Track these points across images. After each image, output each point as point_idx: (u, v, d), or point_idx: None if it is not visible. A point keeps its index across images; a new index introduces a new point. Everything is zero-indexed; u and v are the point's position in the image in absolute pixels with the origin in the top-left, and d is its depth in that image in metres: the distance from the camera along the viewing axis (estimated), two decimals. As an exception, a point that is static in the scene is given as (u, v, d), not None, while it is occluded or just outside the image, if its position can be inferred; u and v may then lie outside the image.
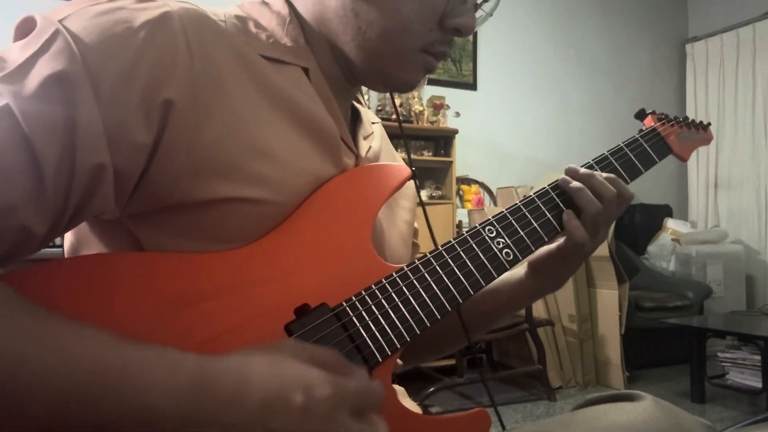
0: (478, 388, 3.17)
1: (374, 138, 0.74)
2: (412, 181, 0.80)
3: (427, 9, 0.60)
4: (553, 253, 0.73)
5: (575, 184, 0.69)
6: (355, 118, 0.74)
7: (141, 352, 0.43)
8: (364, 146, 0.70)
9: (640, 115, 0.85)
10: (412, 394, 0.78)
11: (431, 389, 2.76)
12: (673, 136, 0.82)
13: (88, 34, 0.47)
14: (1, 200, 0.43)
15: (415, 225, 0.82)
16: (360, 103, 0.76)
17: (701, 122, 0.89)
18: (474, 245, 0.64)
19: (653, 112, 0.84)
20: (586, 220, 0.69)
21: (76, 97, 0.45)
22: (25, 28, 0.48)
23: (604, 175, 0.71)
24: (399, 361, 0.73)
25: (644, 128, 0.82)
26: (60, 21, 0.48)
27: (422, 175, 3.42)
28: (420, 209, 0.79)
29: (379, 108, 3.64)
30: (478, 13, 0.67)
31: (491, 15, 0.69)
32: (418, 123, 3.62)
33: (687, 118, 0.86)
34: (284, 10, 0.63)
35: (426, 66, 0.65)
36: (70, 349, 0.41)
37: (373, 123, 0.77)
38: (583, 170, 0.70)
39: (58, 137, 0.45)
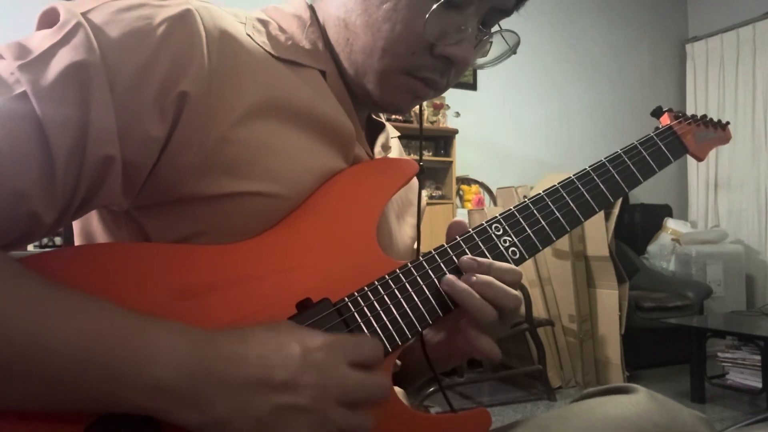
0: (478, 388, 3.17)
1: (392, 152, 0.75)
2: (423, 201, 0.80)
3: (408, 31, 0.58)
4: (443, 352, 0.68)
5: (464, 292, 0.59)
6: (378, 130, 0.75)
7: (153, 320, 0.47)
8: (379, 155, 0.71)
9: (657, 113, 0.82)
10: (412, 394, 0.77)
11: (431, 389, 2.75)
12: (689, 135, 0.80)
13: (110, 28, 0.48)
14: (13, 186, 0.44)
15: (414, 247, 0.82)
16: (379, 116, 0.77)
17: (719, 121, 0.87)
18: (480, 243, 0.63)
19: (670, 110, 0.81)
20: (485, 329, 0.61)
21: (92, 90, 0.46)
22: (49, 19, 0.50)
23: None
24: (397, 361, 0.73)
25: (660, 126, 0.80)
26: (83, 14, 0.48)
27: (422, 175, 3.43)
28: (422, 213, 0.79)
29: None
30: (502, 47, 0.65)
31: (514, 52, 0.65)
32: (418, 123, 3.62)
33: (705, 116, 0.84)
34: (305, 14, 0.64)
35: (413, 91, 0.62)
36: (87, 317, 0.45)
37: (392, 137, 0.77)
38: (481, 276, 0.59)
39: (71, 128, 0.46)
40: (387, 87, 0.62)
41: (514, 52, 0.65)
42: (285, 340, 0.49)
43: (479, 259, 0.60)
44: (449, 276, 0.60)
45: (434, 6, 0.56)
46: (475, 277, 0.59)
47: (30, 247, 2.34)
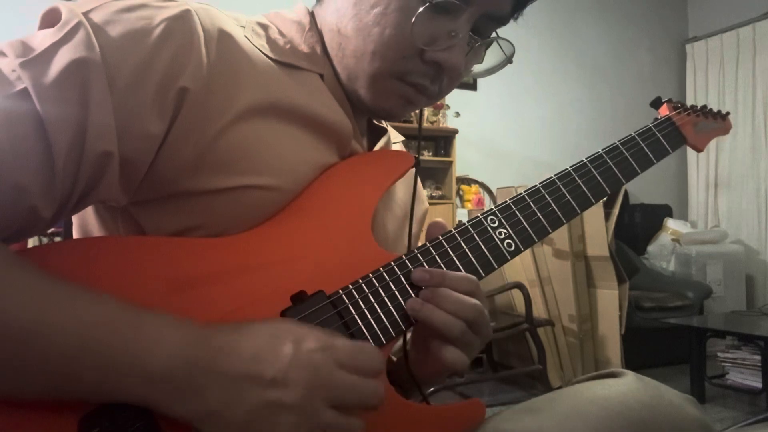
0: (478, 388, 3.16)
1: None
2: (425, 205, 0.80)
3: (400, 35, 0.58)
4: (424, 370, 0.65)
5: (426, 309, 0.57)
6: (379, 135, 0.75)
7: (148, 312, 0.48)
8: None
9: (656, 104, 0.82)
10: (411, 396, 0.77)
11: (431, 389, 2.75)
12: (688, 126, 0.79)
13: (110, 28, 0.49)
14: (13, 181, 0.45)
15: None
16: (380, 122, 0.77)
17: (719, 111, 0.86)
18: (475, 235, 0.63)
19: (669, 101, 0.81)
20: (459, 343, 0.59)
21: (91, 88, 0.47)
22: (50, 18, 0.51)
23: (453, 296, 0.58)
24: (393, 358, 0.73)
25: (659, 117, 0.79)
26: (84, 13, 0.49)
27: (422, 174, 3.45)
28: (418, 216, 0.79)
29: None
30: (498, 55, 0.65)
31: (510, 62, 0.66)
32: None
33: (705, 107, 0.83)
34: (305, 19, 0.65)
35: (405, 97, 0.62)
36: (84, 307, 0.46)
37: (394, 143, 0.78)
38: (430, 291, 0.58)
39: (71, 125, 0.47)
40: (378, 91, 0.62)
41: (510, 62, 0.66)
42: (279, 336, 0.49)
43: (433, 270, 0.59)
44: (411, 300, 0.58)
45: (421, 9, 0.56)
46: (430, 292, 0.58)
47: (30, 242, 2.34)
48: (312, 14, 0.66)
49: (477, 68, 0.67)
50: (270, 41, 0.61)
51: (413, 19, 0.57)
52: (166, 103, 0.51)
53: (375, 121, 0.75)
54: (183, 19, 0.52)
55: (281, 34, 0.62)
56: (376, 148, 0.71)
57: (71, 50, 0.47)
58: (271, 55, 0.59)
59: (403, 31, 0.58)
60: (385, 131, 0.75)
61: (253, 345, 0.48)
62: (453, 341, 0.58)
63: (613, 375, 0.62)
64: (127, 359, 0.45)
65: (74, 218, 0.63)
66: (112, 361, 0.45)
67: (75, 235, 0.63)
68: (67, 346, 0.44)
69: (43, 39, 0.48)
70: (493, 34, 0.64)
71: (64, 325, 0.44)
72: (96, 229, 0.60)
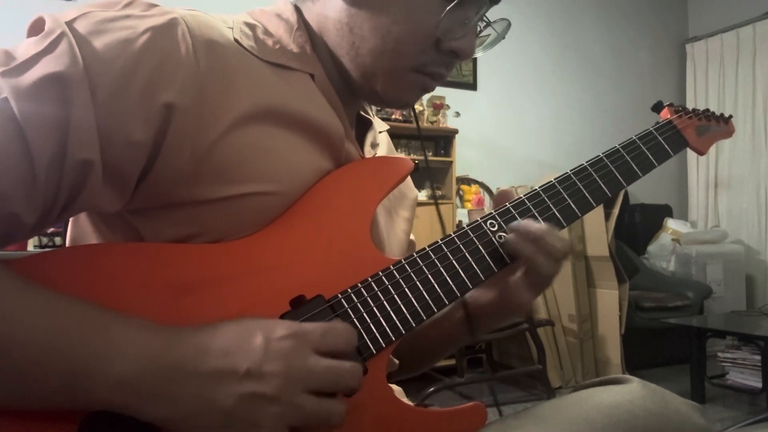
0: (479, 388, 3.16)
1: (381, 148, 0.76)
2: (415, 192, 0.81)
3: (419, 30, 0.59)
4: (492, 310, 0.70)
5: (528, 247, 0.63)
6: (365, 127, 0.75)
7: (119, 316, 0.48)
8: (369, 153, 0.72)
9: (657, 108, 0.82)
10: (412, 394, 0.77)
11: (431, 389, 2.76)
12: (690, 129, 0.79)
13: (94, 38, 0.49)
14: None
15: (411, 237, 0.81)
16: (367, 113, 0.77)
17: (721, 114, 0.86)
18: (474, 239, 0.64)
19: (670, 104, 0.81)
20: (534, 280, 0.66)
21: (72, 98, 0.47)
22: (37, 28, 0.50)
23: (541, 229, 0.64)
24: (395, 360, 0.73)
25: (660, 121, 0.79)
26: (68, 23, 0.49)
27: (422, 174, 3.45)
28: (421, 215, 0.79)
29: (378, 108, 3.64)
30: (490, 34, 0.66)
31: (503, 38, 0.67)
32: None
33: (707, 110, 0.83)
34: (292, 17, 0.64)
35: (421, 86, 0.64)
36: (54, 314, 0.46)
37: (380, 132, 0.78)
38: (532, 229, 0.63)
39: (52, 133, 0.47)
40: (397, 85, 0.63)
41: (503, 38, 0.67)
42: (249, 330, 0.49)
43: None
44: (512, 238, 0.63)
45: (449, 6, 0.58)
46: (526, 230, 0.63)
47: (30, 248, 2.34)
48: (298, 10, 0.65)
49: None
50: (258, 41, 0.60)
51: (442, 14, 0.58)
52: (151, 113, 0.50)
53: (362, 112, 0.76)
54: (169, 28, 0.52)
55: (268, 33, 0.62)
56: (366, 143, 0.72)
57: (53, 61, 0.47)
58: (260, 56, 0.59)
59: (423, 26, 0.59)
60: (370, 123, 0.76)
61: (223, 341, 0.48)
62: (536, 272, 0.64)
63: (617, 381, 0.62)
64: (94, 366, 0.45)
65: (70, 228, 0.63)
66: (79, 368, 0.45)
67: (69, 244, 0.63)
68: (34, 350, 0.44)
69: (26, 49, 0.48)
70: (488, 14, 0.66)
71: (33, 329, 0.44)
72: (93, 239, 0.60)
